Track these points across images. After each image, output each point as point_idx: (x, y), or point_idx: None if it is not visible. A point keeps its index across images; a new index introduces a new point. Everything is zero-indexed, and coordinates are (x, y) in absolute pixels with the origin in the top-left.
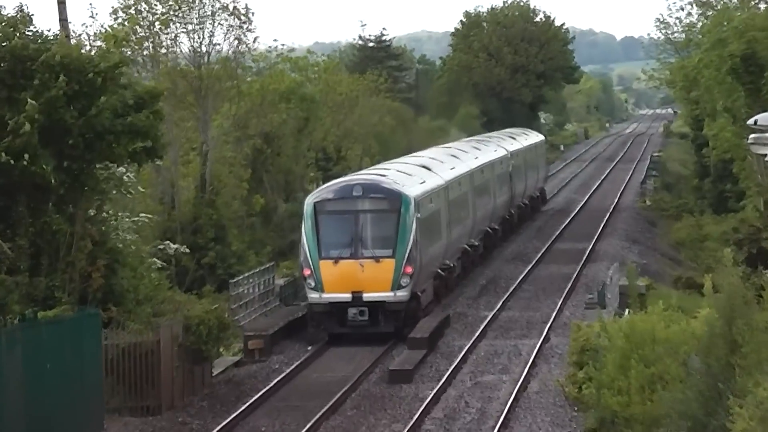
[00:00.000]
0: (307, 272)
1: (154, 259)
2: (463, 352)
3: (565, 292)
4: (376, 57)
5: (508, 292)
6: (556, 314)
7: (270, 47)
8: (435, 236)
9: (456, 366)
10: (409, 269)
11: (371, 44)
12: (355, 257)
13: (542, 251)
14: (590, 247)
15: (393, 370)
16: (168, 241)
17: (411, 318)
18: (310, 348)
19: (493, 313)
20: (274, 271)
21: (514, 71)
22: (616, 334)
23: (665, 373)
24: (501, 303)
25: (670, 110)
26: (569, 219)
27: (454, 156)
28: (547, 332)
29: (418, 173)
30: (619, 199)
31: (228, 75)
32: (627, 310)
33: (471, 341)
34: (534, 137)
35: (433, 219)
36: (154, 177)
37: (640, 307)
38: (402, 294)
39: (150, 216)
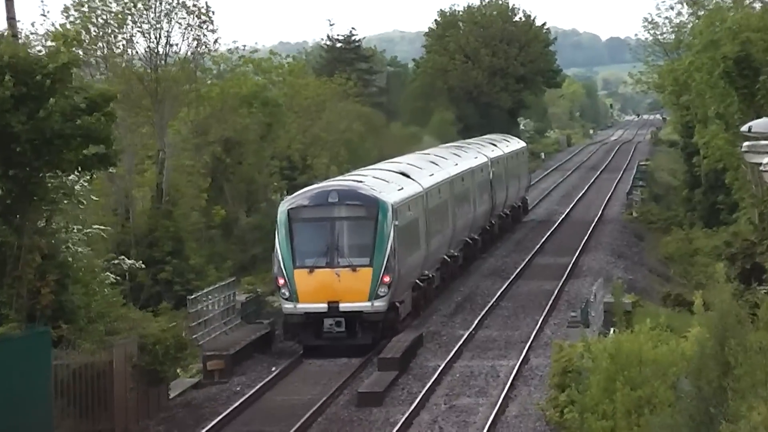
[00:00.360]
0: (281, 282)
1: (108, 273)
2: (437, 374)
3: (546, 309)
4: (345, 58)
5: (485, 310)
6: (537, 333)
7: (231, 48)
8: (413, 245)
9: (429, 388)
10: (387, 278)
11: (340, 45)
12: (331, 266)
13: (522, 266)
14: (573, 261)
15: (362, 392)
16: (122, 256)
17: (389, 329)
18: (274, 369)
19: (469, 331)
20: (235, 287)
21: (492, 74)
22: (600, 354)
23: (653, 397)
24: (478, 321)
25: (658, 116)
26: (550, 231)
27: (433, 162)
28: (527, 352)
29: (396, 180)
30: (603, 210)
31: (186, 77)
32: (612, 329)
33: (446, 362)
34: (515, 144)
35: (411, 227)
36: (108, 186)
37: (627, 326)
38: (380, 304)
39: (103, 228)
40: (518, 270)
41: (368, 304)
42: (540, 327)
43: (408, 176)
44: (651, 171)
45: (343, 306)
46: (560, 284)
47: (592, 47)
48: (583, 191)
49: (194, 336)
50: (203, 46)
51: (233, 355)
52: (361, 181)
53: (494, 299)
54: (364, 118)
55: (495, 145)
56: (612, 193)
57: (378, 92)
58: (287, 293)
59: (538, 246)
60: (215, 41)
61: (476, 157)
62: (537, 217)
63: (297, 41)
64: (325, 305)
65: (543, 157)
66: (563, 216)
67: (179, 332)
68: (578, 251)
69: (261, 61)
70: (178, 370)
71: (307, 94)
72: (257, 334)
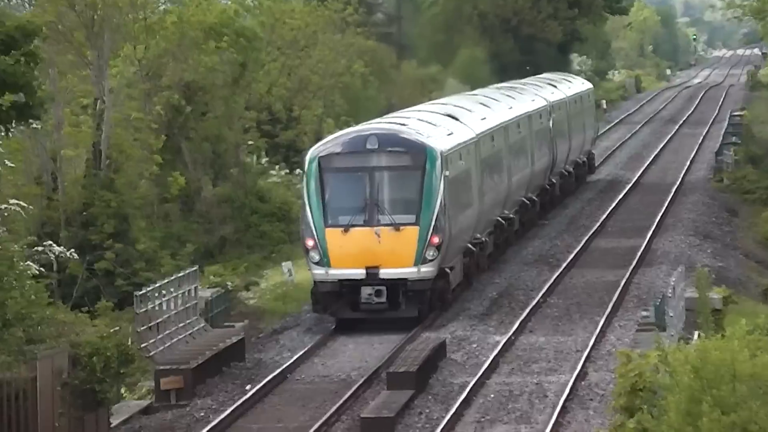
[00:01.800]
0: (310, 243)
1: (29, 263)
2: (465, 393)
3: (609, 308)
4: None
5: (529, 308)
6: (597, 339)
7: None
8: (466, 201)
9: (455, 413)
10: (437, 240)
11: None
12: (369, 225)
13: (576, 250)
14: (644, 244)
15: (366, 418)
16: (49, 240)
17: (438, 300)
18: (249, 387)
19: (507, 337)
20: (197, 280)
21: None
22: (681, 367)
23: (751, 423)
24: (518, 323)
25: (757, 51)
26: (614, 205)
27: (484, 105)
28: (584, 365)
29: (444, 123)
30: (684, 176)
31: (132, 2)
32: (697, 334)
33: (476, 378)
34: (579, 85)
35: (463, 180)
36: (29, 146)
37: (716, 329)
38: (427, 270)
39: (23, 204)
40: (572, 256)
41: (414, 269)
42: (601, 331)
43: (457, 119)
44: (748, 124)
45: (385, 272)
46: (627, 274)
47: None
48: (657, 151)
49: (144, 345)
50: None
51: (195, 369)
52: (404, 124)
53: (540, 295)
54: (368, 55)
55: (555, 86)
56: (695, 154)
57: (386, 21)
58: (317, 257)
59: (598, 224)
60: None
61: (533, 101)
62: (597, 186)
63: None
64: (363, 271)
65: (605, 106)
66: (631, 184)
67: (124, 340)
68: (651, 231)
69: None
70: (123, 390)
71: (293, 24)
72: (227, 342)
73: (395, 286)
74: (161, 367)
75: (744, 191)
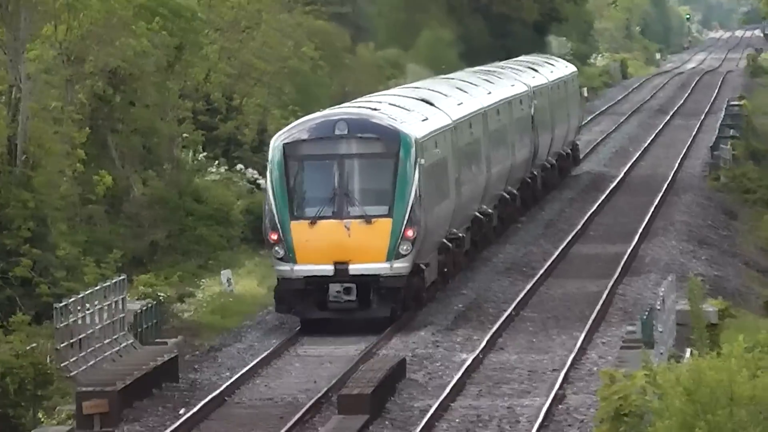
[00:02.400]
0: (273, 237)
1: None
2: (426, 419)
3: (590, 322)
4: None
5: (500, 322)
6: (576, 358)
7: None
8: (441, 192)
9: None
10: (411, 233)
11: None
12: (338, 217)
13: (554, 257)
14: (630, 250)
15: None
16: None
17: (412, 299)
18: (182, 411)
19: (474, 355)
20: (125, 290)
21: None
22: (672, 388)
23: None
24: (488, 340)
25: (758, 33)
26: (597, 205)
27: (460, 89)
28: (562, 386)
29: (418, 108)
30: (676, 174)
31: None
32: (689, 351)
33: (439, 401)
34: (562, 68)
35: (439, 169)
36: None
37: (711, 347)
38: (401, 266)
39: None
40: (549, 263)
41: (386, 265)
42: (581, 348)
43: (432, 104)
44: (747, 115)
45: (355, 268)
46: (611, 285)
47: None
48: (646, 145)
49: (64, 363)
50: None
51: (122, 391)
52: (375, 109)
53: (513, 307)
54: (320, 37)
55: (536, 70)
56: (688, 149)
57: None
58: (282, 252)
59: (578, 228)
60: None
61: (513, 86)
62: (579, 184)
63: None
64: (331, 267)
65: (585, 94)
66: (616, 183)
67: (41, 358)
68: (638, 235)
69: None
70: (40, 414)
71: (234, 2)
72: (158, 360)
73: (366, 283)
74: (84, 389)
75: (744, 191)
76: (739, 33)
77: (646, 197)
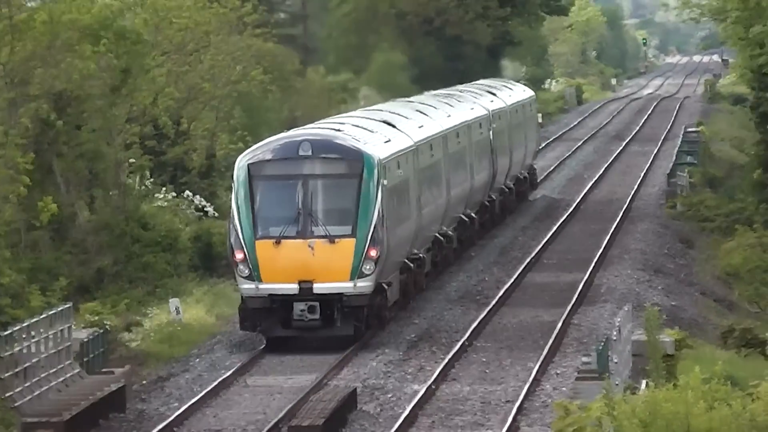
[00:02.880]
0: (239, 256)
1: None
2: None
3: (545, 352)
4: None
5: (452, 353)
6: (530, 389)
7: None
8: (403, 213)
9: None
10: (374, 252)
11: None
12: (302, 236)
13: (508, 285)
14: (585, 278)
15: None
16: None
17: (375, 317)
18: None
19: (427, 386)
20: (71, 319)
21: None
22: (627, 420)
23: None
24: (440, 370)
25: (716, 58)
26: (551, 233)
27: (420, 112)
28: (515, 418)
29: (380, 129)
30: (632, 201)
31: None
32: (645, 382)
33: None
34: (520, 92)
35: (401, 190)
36: None
37: (667, 378)
38: (364, 284)
39: None
40: (502, 292)
41: (350, 284)
42: (535, 379)
43: (393, 126)
44: (705, 141)
45: (319, 287)
46: (566, 314)
47: None
48: (602, 172)
49: (8, 393)
50: None
51: (68, 422)
52: (338, 130)
53: (466, 337)
54: (269, 60)
55: (494, 93)
56: (645, 176)
57: (290, 20)
58: (247, 271)
59: (532, 256)
60: None
61: (472, 109)
62: (533, 210)
63: None
64: (296, 286)
65: (540, 120)
66: (570, 211)
67: None
68: (593, 264)
69: None
70: None
71: (181, 24)
72: (105, 390)
73: (330, 301)
74: (29, 420)
75: (701, 219)
76: (696, 58)
77: (602, 225)
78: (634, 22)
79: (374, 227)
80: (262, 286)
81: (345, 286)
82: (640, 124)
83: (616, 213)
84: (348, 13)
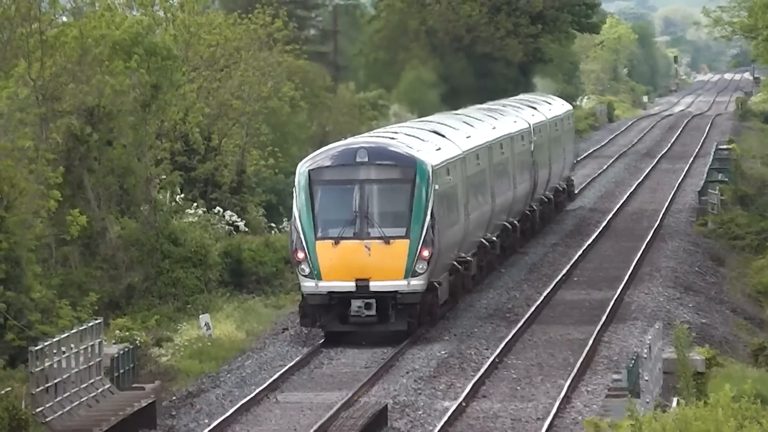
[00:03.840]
0: (300, 256)
1: None
2: None
3: (575, 370)
4: None
5: (483, 369)
6: (560, 406)
7: None
8: (453, 217)
9: None
10: (426, 253)
11: None
12: (359, 237)
13: (538, 303)
14: (615, 296)
15: None
16: None
17: (427, 314)
18: None
19: (457, 403)
20: (101, 334)
21: (494, 10)
22: None
23: None
24: (470, 387)
25: (747, 75)
26: (582, 251)
27: (467, 123)
28: None
29: (431, 139)
30: (663, 219)
31: (24, 13)
32: (675, 400)
33: None
34: (559, 107)
35: (450, 195)
36: None
37: (698, 396)
38: (417, 283)
39: None
40: (532, 310)
41: (404, 282)
42: (566, 397)
43: (443, 136)
44: (736, 159)
45: (374, 285)
46: (596, 332)
47: None
48: (632, 189)
49: (39, 408)
50: None
51: None
52: (392, 138)
53: (496, 354)
54: (299, 76)
55: (534, 107)
56: (675, 193)
57: (320, 37)
58: (307, 269)
59: (562, 273)
60: None
61: (515, 122)
62: (563, 228)
63: None
64: (353, 284)
65: None
66: (601, 228)
67: (15, 403)
68: (624, 281)
69: None
70: None
71: (211, 40)
72: (135, 406)
73: (385, 298)
74: None
75: (732, 237)
76: (728, 76)
77: (632, 242)
78: (665, 40)
79: (426, 229)
80: (321, 283)
81: (399, 284)
82: (671, 142)
83: (647, 230)
84: (379, 29)
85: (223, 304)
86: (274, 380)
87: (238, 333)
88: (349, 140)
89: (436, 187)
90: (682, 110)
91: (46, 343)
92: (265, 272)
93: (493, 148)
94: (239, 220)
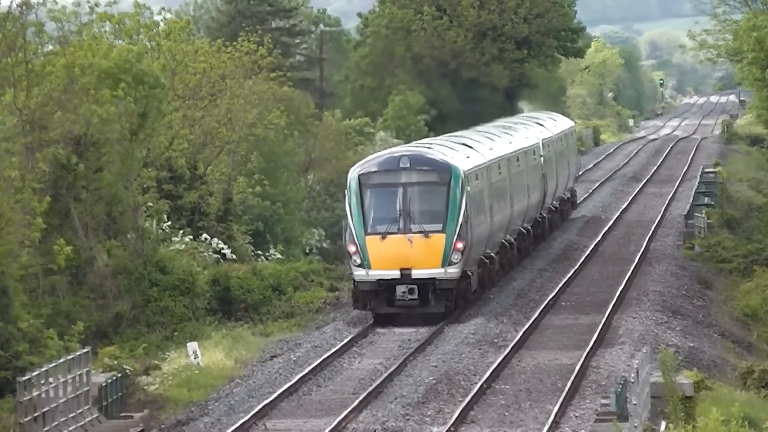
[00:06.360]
0: (352, 249)
1: None
2: None
3: (563, 395)
4: (255, 13)
5: (470, 396)
6: (549, 431)
7: None
8: (481, 216)
9: None
10: (460, 245)
11: None
12: (403, 232)
13: (525, 328)
14: (603, 320)
15: None
16: None
17: (462, 298)
18: None
19: (446, 429)
20: (89, 363)
21: (480, 36)
22: None
23: None
24: (459, 413)
25: (733, 98)
26: (569, 275)
27: (488, 138)
28: None
29: (461, 149)
30: (649, 242)
31: (10, 42)
32: (664, 424)
33: None
34: (563, 123)
35: (479, 197)
36: None
37: (686, 419)
38: (453, 271)
39: None
40: (520, 335)
41: (441, 270)
42: (554, 422)
43: (470, 147)
44: (723, 182)
45: (416, 273)
46: (584, 356)
47: None
48: (619, 213)
49: None
50: None
51: None
52: (430, 147)
53: (484, 379)
54: (285, 103)
55: (542, 125)
56: (662, 217)
57: (305, 64)
58: (359, 260)
59: (550, 298)
60: None
61: (527, 137)
62: (550, 252)
63: None
64: (398, 272)
65: None
66: (588, 251)
67: None
68: (611, 306)
69: (124, 17)
70: None
71: (197, 68)
72: None
73: (425, 285)
74: None
75: (719, 260)
76: (714, 99)
77: (619, 267)
78: (650, 63)
79: (460, 225)
80: (371, 272)
81: (437, 272)
82: (658, 165)
83: (634, 254)
84: (365, 56)
85: (211, 332)
86: (262, 407)
87: (227, 361)
88: (394, 149)
89: (469, 188)
90: (668, 134)
91: (34, 373)
92: (252, 300)
93: (511, 160)
94: (226, 247)
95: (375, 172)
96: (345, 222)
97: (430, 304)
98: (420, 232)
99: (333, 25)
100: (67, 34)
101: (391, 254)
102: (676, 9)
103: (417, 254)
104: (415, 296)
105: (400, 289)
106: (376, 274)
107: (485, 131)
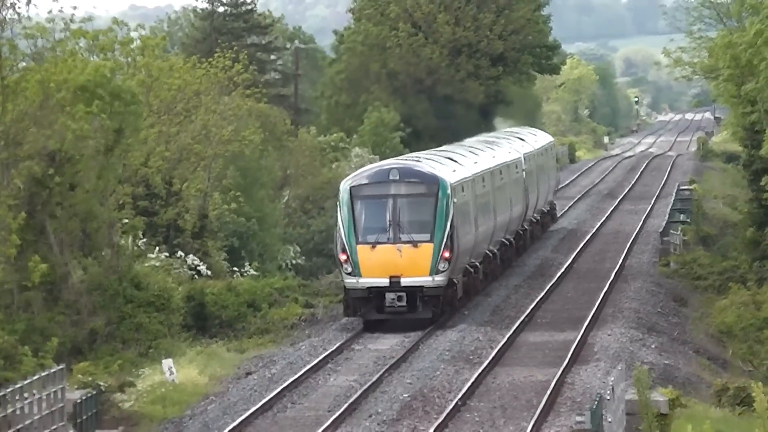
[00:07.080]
0: (343, 257)
1: None
2: None
3: (538, 412)
4: (230, 29)
5: (445, 413)
6: None
7: (53, 15)
8: (467, 226)
9: None
10: (447, 254)
11: (222, 8)
12: (392, 242)
13: (500, 345)
14: (578, 337)
15: None
16: None
17: (448, 305)
18: None
19: None
20: (63, 380)
21: (455, 53)
22: None
23: None
24: (434, 430)
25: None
26: (544, 292)
27: (473, 152)
28: None
29: (447, 163)
30: (625, 259)
31: None
32: None
33: None
34: (543, 138)
35: (465, 209)
36: None
37: None
38: (440, 279)
39: None
40: (495, 352)
41: (429, 278)
42: None
43: (456, 161)
44: (698, 199)
45: (405, 280)
46: (559, 373)
47: (608, 11)
48: (594, 230)
49: None
50: (9, 11)
51: None
52: (418, 161)
53: (459, 397)
54: (261, 120)
55: (523, 139)
56: (638, 234)
57: (281, 80)
58: (350, 268)
59: (525, 315)
60: (28, 2)
61: (509, 152)
62: (526, 270)
63: (156, 5)
64: (387, 280)
65: None
66: (564, 268)
67: None
68: (587, 323)
69: (98, 34)
70: None
71: (172, 84)
72: None
73: (414, 292)
74: None
75: (694, 277)
76: (689, 116)
77: (595, 283)
78: (626, 80)
79: (447, 235)
80: (361, 280)
81: (425, 280)
82: (633, 182)
83: (609, 272)
84: (340, 72)
85: (186, 349)
86: (237, 425)
87: (201, 377)
88: (383, 162)
89: (455, 200)
90: (643, 151)
91: (8, 390)
92: (228, 316)
93: (494, 174)
94: (201, 264)
95: (366, 184)
96: (336, 232)
97: (418, 311)
98: (409, 242)
99: (308, 41)
100: (42, 50)
101: (381, 263)
102: (651, 26)
103: (406, 263)
104: (404, 303)
105: (390, 296)
106: (366, 281)
107: (470, 146)
